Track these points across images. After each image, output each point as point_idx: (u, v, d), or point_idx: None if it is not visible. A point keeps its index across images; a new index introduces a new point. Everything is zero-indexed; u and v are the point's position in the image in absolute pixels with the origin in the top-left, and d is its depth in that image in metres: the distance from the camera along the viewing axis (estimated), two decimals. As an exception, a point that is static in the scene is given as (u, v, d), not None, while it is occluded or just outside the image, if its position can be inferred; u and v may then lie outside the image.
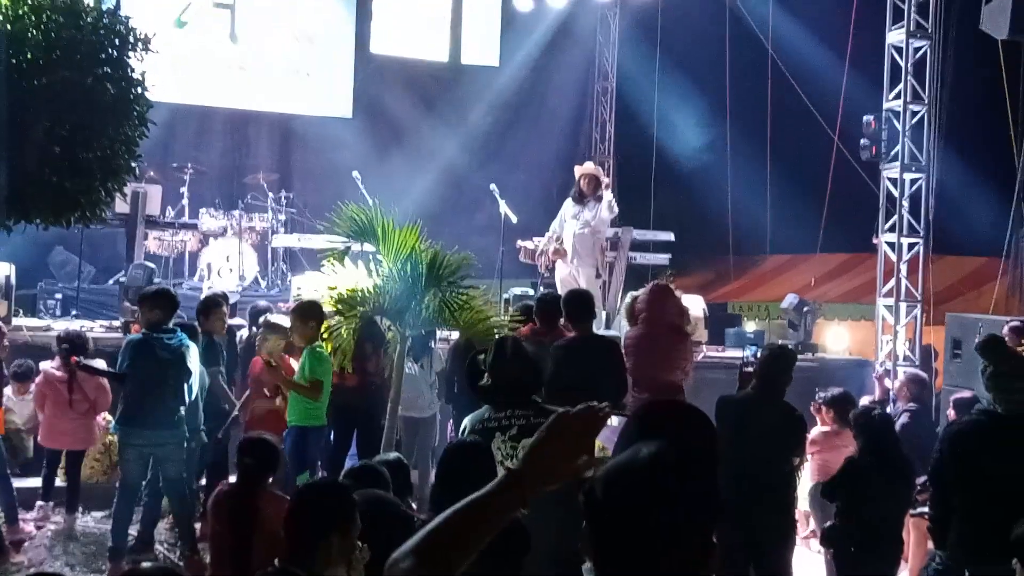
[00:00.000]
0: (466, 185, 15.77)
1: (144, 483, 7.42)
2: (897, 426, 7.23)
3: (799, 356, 11.85)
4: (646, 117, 17.40)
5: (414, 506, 4.61)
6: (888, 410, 8.34)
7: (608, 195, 11.31)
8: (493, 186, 11.78)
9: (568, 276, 11.12)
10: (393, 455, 5.10)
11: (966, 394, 8.22)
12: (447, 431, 8.58)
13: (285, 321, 7.76)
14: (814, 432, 7.96)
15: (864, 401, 8.63)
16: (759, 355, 6.76)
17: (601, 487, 1.93)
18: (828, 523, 6.56)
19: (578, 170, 11.41)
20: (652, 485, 1.88)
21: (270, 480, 5.25)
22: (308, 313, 7.30)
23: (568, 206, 11.28)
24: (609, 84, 18.29)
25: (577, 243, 11.11)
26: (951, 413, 8.29)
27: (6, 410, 8.54)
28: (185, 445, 7.30)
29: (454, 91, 17.10)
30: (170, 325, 7.29)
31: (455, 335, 8.12)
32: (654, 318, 7.62)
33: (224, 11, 15.54)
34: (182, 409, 7.22)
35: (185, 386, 7.16)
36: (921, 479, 6.47)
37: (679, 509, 1.88)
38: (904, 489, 6.27)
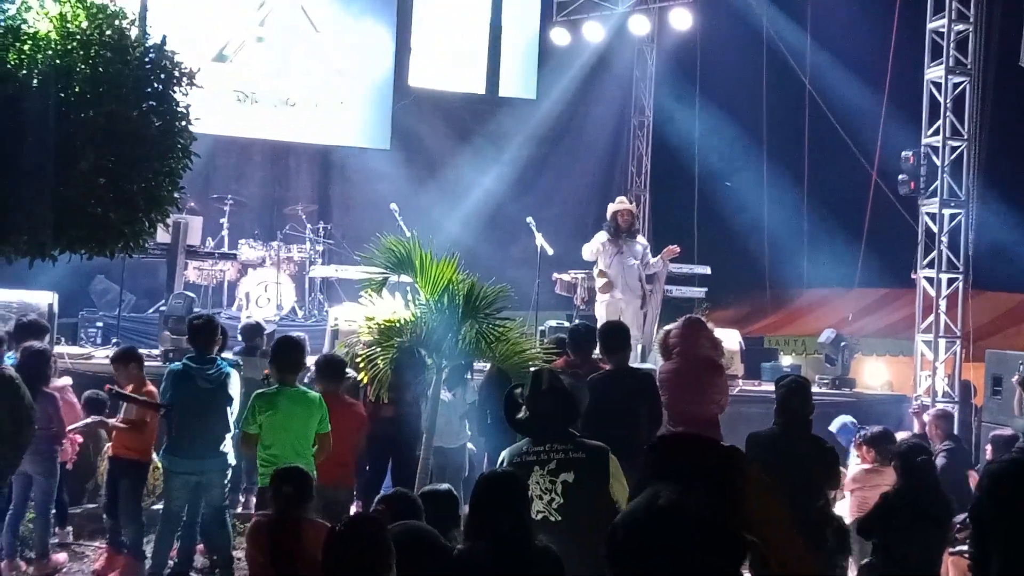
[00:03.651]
0: (502, 217, 15.85)
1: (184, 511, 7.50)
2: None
3: (836, 392, 11.94)
4: (682, 151, 17.42)
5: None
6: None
7: (643, 238, 11.55)
8: (530, 219, 11.83)
9: (615, 309, 11.12)
10: (444, 486, 5.10)
11: (1006, 432, 8.14)
12: (483, 461, 8.59)
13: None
14: (855, 469, 7.89)
15: (902, 436, 8.55)
16: (775, 390, 6.63)
17: (623, 533, 1.93)
18: (865, 560, 6.50)
19: (614, 206, 11.45)
20: (672, 529, 1.88)
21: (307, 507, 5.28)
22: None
23: (605, 242, 11.29)
24: (645, 118, 18.33)
25: (628, 276, 11.19)
26: (989, 450, 8.22)
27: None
28: (228, 473, 7.40)
29: (491, 124, 17.21)
30: (213, 355, 7.42)
31: (488, 366, 8.13)
32: (688, 351, 7.59)
33: (266, 45, 15.79)
34: (227, 437, 7.31)
35: (228, 414, 7.24)
36: (960, 517, 6.41)
37: (701, 552, 1.87)
38: (941, 527, 6.20)
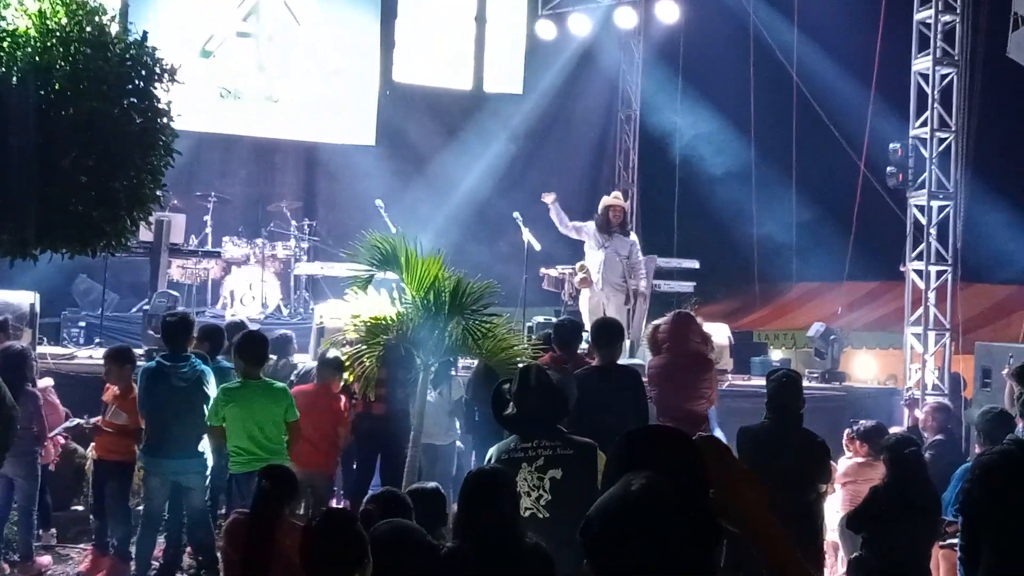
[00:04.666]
0: (489, 213, 15.79)
1: (166, 511, 7.44)
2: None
3: (827, 385, 11.93)
4: (670, 145, 17.41)
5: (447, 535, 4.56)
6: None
7: (634, 235, 11.52)
8: (516, 214, 11.79)
9: (596, 304, 11.10)
10: (431, 484, 5.08)
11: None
12: (471, 459, 8.55)
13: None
14: (847, 463, 7.88)
15: (894, 431, 8.53)
16: (765, 384, 6.60)
17: (598, 523, 1.92)
18: (854, 554, 6.48)
19: (607, 200, 11.40)
20: (647, 518, 1.87)
21: (288, 509, 5.21)
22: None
23: (594, 231, 11.26)
24: (632, 112, 18.31)
25: (607, 270, 11.11)
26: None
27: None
28: (208, 473, 7.32)
29: (477, 119, 17.15)
30: (187, 352, 7.35)
31: (475, 362, 8.10)
32: (677, 346, 7.58)
33: (249, 41, 15.69)
34: (201, 438, 7.24)
35: (204, 414, 7.16)
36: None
37: (676, 538, 1.86)
38: (929, 521, 6.18)
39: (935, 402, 9.69)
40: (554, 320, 10.74)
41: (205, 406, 7.14)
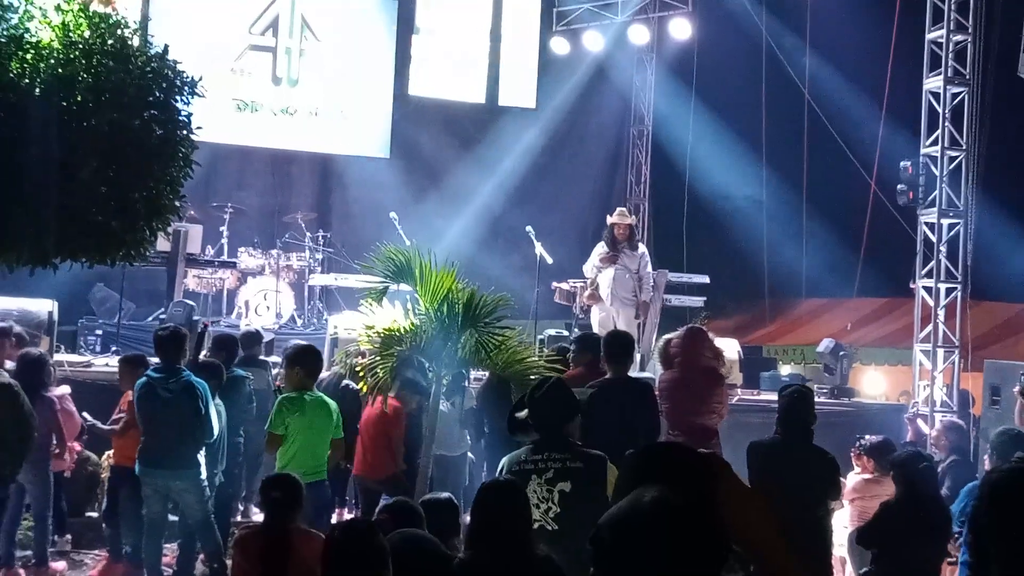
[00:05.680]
0: (502, 226, 15.86)
1: (175, 520, 7.48)
2: (943, 488, 7.16)
3: (835, 401, 11.95)
4: (682, 160, 17.43)
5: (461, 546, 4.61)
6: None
7: (643, 247, 11.52)
8: (529, 228, 11.85)
9: (606, 318, 11.15)
10: (444, 495, 5.11)
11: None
12: (482, 470, 8.60)
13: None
14: (855, 479, 7.89)
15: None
16: (777, 398, 6.62)
17: (607, 533, 1.95)
18: (864, 569, 6.50)
19: (610, 219, 11.47)
20: (657, 530, 1.90)
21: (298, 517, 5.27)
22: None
23: (601, 251, 11.33)
24: (645, 127, 18.35)
25: (617, 286, 11.16)
26: (986, 460, 8.21)
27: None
28: (204, 485, 7.24)
29: (491, 133, 17.23)
30: (180, 365, 7.28)
31: (486, 374, 8.14)
32: (689, 361, 7.60)
33: (266, 54, 15.82)
34: (197, 450, 7.17)
35: (198, 426, 7.10)
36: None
37: (685, 552, 1.90)
38: (940, 537, 6.20)
39: (948, 421, 9.62)
40: (565, 333, 10.81)
41: (196, 418, 7.07)
